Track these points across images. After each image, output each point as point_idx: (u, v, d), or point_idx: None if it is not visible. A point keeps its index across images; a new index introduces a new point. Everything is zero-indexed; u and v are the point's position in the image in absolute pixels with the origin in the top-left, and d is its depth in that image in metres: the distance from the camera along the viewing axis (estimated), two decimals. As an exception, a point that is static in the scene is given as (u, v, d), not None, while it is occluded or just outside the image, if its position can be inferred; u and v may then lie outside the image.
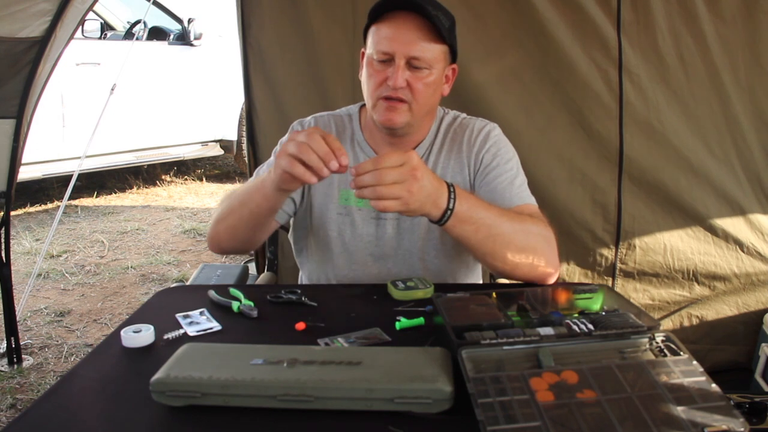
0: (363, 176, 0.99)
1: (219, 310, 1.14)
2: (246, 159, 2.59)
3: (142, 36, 5.21)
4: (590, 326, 0.93)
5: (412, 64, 1.22)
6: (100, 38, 5.06)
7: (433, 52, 1.23)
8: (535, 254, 1.18)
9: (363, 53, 1.32)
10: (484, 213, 1.13)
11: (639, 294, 2.27)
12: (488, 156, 1.35)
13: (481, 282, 1.56)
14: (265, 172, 1.38)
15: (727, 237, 2.20)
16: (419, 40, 1.21)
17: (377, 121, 1.29)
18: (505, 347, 0.86)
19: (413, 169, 0.99)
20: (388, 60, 1.23)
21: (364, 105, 1.43)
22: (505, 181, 1.32)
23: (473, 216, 1.10)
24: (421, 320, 1.08)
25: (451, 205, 1.07)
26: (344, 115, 1.45)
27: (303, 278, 1.52)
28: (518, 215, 1.21)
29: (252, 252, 2.64)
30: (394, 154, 1.00)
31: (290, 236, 1.50)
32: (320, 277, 1.43)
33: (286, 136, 1.41)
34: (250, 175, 2.38)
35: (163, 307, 1.17)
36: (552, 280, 1.22)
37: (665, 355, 0.85)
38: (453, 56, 1.31)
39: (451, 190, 1.07)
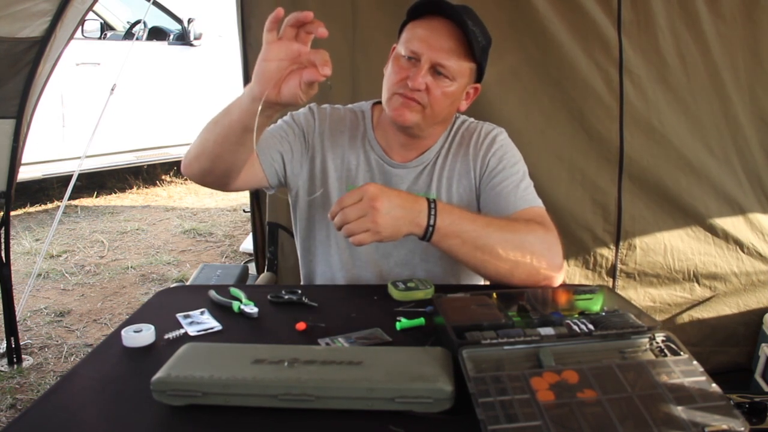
0: (334, 219, 1.08)
1: (219, 310, 1.14)
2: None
3: (142, 36, 5.21)
4: (590, 326, 0.93)
5: (436, 70, 1.23)
6: (100, 38, 5.06)
7: (459, 66, 1.24)
8: (530, 261, 1.16)
9: (394, 48, 1.33)
10: (470, 225, 1.13)
11: (640, 295, 2.27)
12: (494, 160, 1.35)
13: (481, 282, 1.56)
14: (269, 129, 1.37)
15: (727, 237, 2.20)
16: (450, 51, 1.22)
17: (389, 115, 1.30)
18: (506, 347, 0.86)
19: (371, 200, 1.05)
20: (414, 59, 1.23)
21: (376, 103, 1.43)
22: (511, 185, 1.32)
23: (457, 230, 1.12)
24: (421, 320, 1.08)
25: (432, 222, 1.10)
26: (357, 110, 1.45)
27: (305, 277, 1.52)
28: (510, 223, 1.21)
29: (252, 252, 2.64)
30: (352, 193, 1.07)
31: (295, 232, 1.50)
32: (324, 273, 1.43)
33: (300, 110, 1.43)
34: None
35: (163, 307, 1.17)
36: (556, 284, 1.20)
37: (665, 355, 0.85)
38: (479, 76, 1.32)
39: (432, 206, 1.10)
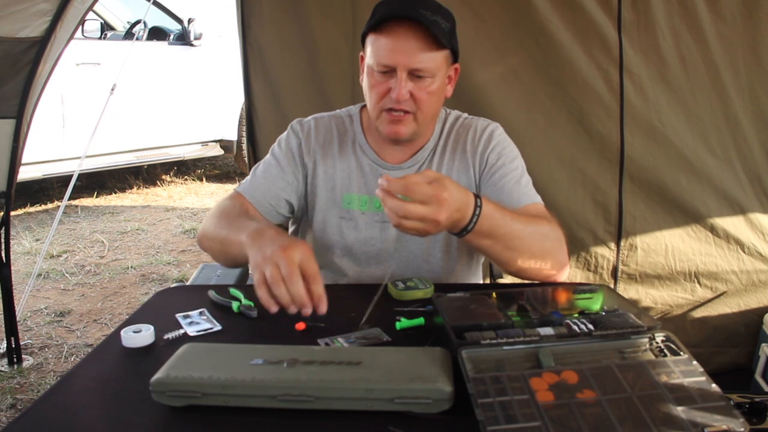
0: (389, 200, 0.95)
1: (219, 310, 1.14)
2: (246, 159, 2.59)
3: (142, 36, 5.20)
4: (590, 326, 0.93)
5: (414, 75, 1.21)
6: (100, 38, 5.06)
7: (434, 60, 1.22)
8: (549, 258, 1.18)
9: (362, 57, 1.31)
10: (505, 229, 1.10)
11: (641, 297, 2.27)
12: (493, 156, 1.35)
13: (481, 282, 1.56)
14: (261, 170, 1.37)
15: (728, 237, 2.20)
16: (419, 51, 1.19)
17: (382, 132, 1.29)
18: (505, 347, 0.86)
19: (439, 206, 0.95)
20: (389, 72, 1.21)
21: (364, 106, 1.43)
22: (512, 181, 1.32)
23: (493, 232, 1.08)
24: (421, 320, 1.08)
25: (470, 227, 1.04)
26: (345, 116, 1.43)
27: None
28: (534, 219, 1.21)
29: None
30: (423, 187, 0.94)
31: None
32: (325, 279, 1.42)
33: (285, 134, 1.41)
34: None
35: (163, 307, 1.17)
36: (563, 277, 1.23)
37: (665, 355, 0.85)
38: (455, 57, 1.30)
39: (476, 212, 1.03)
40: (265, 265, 0.94)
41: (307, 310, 0.95)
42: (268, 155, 1.40)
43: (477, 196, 1.04)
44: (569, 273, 2.22)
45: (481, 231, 1.06)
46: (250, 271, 1.05)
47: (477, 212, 1.03)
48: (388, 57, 1.20)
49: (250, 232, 1.05)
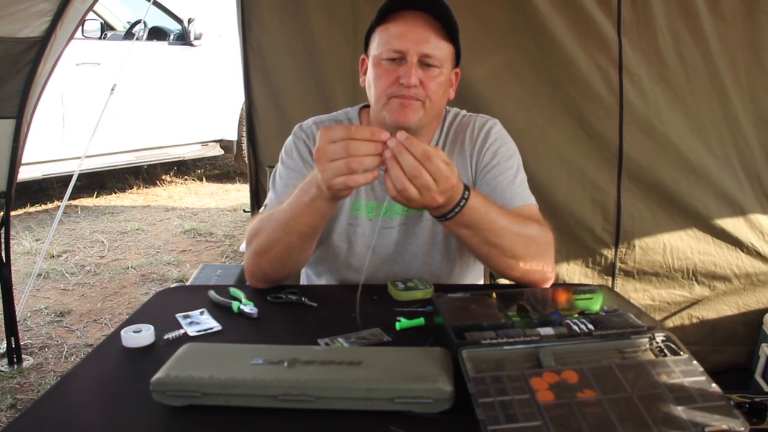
0: (406, 156, 0.95)
1: (219, 310, 1.14)
2: (246, 159, 2.59)
3: (142, 36, 5.20)
4: (590, 326, 0.93)
5: (423, 62, 1.21)
6: (100, 38, 5.06)
7: (443, 50, 1.23)
8: (532, 262, 1.17)
9: (363, 60, 1.31)
10: (487, 225, 1.11)
11: (639, 294, 2.27)
12: (489, 154, 1.34)
13: (481, 282, 1.56)
14: (281, 184, 1.34)
15: (726, 237, 2.20)
16: (431, 37, 1.20)
17: (390, 120, 1.26)
18: (506, 347, 0.86)
19: (445, 189, 0.98)
20: (398, 59, 1.21)
21: (363, 107, 1.42)
22: (506, 180, 1.31)
23: (473, 224, 1.10)
24: (421, 320, 1.08)
25: (450, 215, 1.06)
26: (343, 119, 1.41)
27: (304, 281, 1.51)
28: (524, 221, 1.20)
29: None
30: (441, 163, 0.96)
31: None
32: (326, 282, 1.43)
33: (292, 142, 1.39)
34: (250, 176, 2.39)
35: (163, 307, 1.17)
36: (548, 284, 1.22)
37: (665, 355, 0.85)
38: (457, 59, 1.30)
39: (461, 203, 1.05)
40: (327, 168, 0.97)
41: (387, 153, 0.96)
42: (280, 167, 1.37)
43: (467, 188, 1.06)
44: (568, 271, 2.25)
45: (462, 221, 1.08)
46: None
47: (461, 203, 1.05)
48: (399, 42, 1.20)
49: (303, 190, 1.10)
